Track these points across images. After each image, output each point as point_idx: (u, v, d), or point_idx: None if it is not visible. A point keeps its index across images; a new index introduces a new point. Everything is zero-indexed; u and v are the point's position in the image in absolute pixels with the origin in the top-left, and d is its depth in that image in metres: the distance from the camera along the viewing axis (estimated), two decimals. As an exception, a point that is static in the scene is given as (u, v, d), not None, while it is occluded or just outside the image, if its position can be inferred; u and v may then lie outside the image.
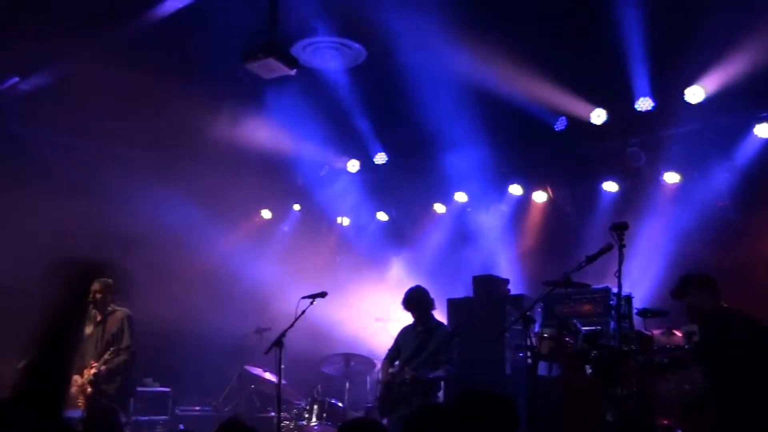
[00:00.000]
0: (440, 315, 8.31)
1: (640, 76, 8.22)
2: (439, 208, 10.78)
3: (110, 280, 8.10)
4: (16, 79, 8.81)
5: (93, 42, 8.06)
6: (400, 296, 7.57)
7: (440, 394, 8.50)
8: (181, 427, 9.12)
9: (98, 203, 9.43)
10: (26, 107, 8.92)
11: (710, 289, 5.63)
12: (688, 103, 8.23)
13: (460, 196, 10.51)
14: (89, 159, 9.54)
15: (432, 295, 7.50)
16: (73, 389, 7.80)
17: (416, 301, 7.40)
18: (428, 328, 7.35)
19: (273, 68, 7.17)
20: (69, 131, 9.29)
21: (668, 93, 8.34)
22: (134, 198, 9.74)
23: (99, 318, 8.03)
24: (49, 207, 8.96)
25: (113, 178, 9.62)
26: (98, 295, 7.99)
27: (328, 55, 8.46)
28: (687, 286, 5.68)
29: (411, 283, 7.82)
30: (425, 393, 7.04)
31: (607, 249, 5.96)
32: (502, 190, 10.18)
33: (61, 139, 9.43)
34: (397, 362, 7.44)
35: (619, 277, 5.64)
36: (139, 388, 8.87)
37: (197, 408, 9.69)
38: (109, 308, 8.03)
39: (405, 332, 7.57)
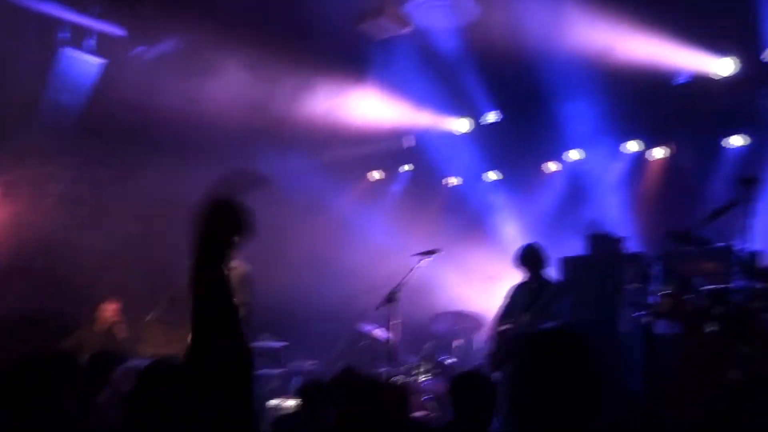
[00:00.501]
0: (555, 273, 8.21)
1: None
2: (553, 165, 10.59)
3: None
4: (143, 47, 9.17)
5: (209, 11, 8.30)
6: (511, 256, 7.53)
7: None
8: (294, 380, 9.41)
9: (217, 167, 9.74)
10: (151, 75, 9.26)
11: None
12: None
13: (574, 154, 10.28)
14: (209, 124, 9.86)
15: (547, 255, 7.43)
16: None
17: (530, 257, 7.35)
18: (540, 284, 7.29)
19: (385, 27, 7.20)
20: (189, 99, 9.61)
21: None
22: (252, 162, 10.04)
23: (223, 274, 8.36)
24: (174, 171, 9.39)
25: (230, 142, 9.93)
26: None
27: (439, 13, 8.38)
28: None
29: (523, 242, 7.75)
30: None
31: (734, 204, 5.71)
32: (619, 146, 9.88)
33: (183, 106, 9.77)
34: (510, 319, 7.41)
35: (746, 232, 5.40)
36: (256, 343, 9.20)
37: (310, 362, 9.95)
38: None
39: (518, 289, 7.53)
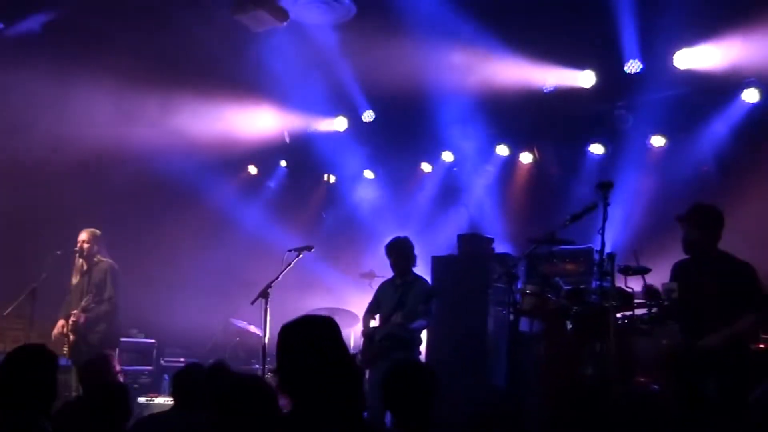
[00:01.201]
0: (425, 272, 8.39)
1: (629, 38, 8.23)
2: (426, 167, 10.83)
3: (98, 231, 8.16)
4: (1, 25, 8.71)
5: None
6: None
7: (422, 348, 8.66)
8: (166, 377, 9.23)
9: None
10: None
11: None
12: (676, 67, 8.28)
13: (447, 156, 10.56)
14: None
15: (417, 252, 7.53)
16: (55, 332, 7.88)
17: (398, 249, 7.36)
18: (407, 281, 7.32)
19: (262, 20, 7.14)
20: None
21: (657, 56, 8.36)
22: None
23: (85, 267, 8.08)
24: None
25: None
26: (85, 245, 8.04)
27: (317, 10, 8.41)
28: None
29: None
30: (406, 346, 7.11)
31: (592, 207, 6.03)
32: (489, 150, 10.22)
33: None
34: (377, 316, 7.50)
35: (602, 234, 5.72)
36: (125, 339, 8.94)
37: (182, 359, 9.77)
38: (95, 258, 8.08)
39: (384, 286, 7.57)
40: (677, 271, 5.79)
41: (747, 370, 5.36)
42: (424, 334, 7.47)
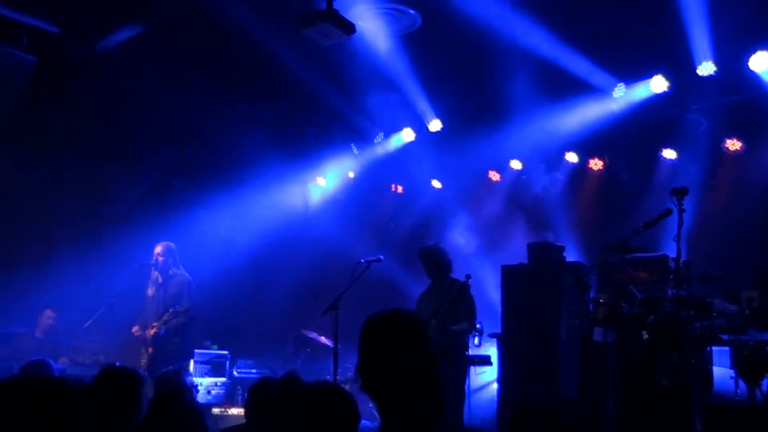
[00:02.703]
0: (495, 282, 8.35)
1: (701, 40, 8.03)
2: (494, 175, 10.77)
3: (172, 244, 8.39)
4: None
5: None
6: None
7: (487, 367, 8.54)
8: (239, 389, 9.37)
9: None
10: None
11: None
12: (751, 69, 8.05)
13: (516, 164, 10.48)
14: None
15: (483, 261, 7.47)
16: (135, 331, 8.11)
17: (428, 257, 7.31)
18: (443, 287, 7.22)
19: (330, 33, 7.20)
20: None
21: (731, 58, 8.13)
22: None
23: (160, 280, 8.30)
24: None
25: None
26: (161, 258, 8.26)
27: (383, 21, 8.46)
28: None
29: (467, 250, 7.83)
30: (447, 356, 6.79)
31: (666, 214, 5.92)
32: (559, 157, 10.10)
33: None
34: None
35: (678, 242, 5.59)
36: (199, 351, 9.14)
37: (254, 371, 9.91)
38: (171, 271, 8.29)
39: (422, 296, 7.49)
40: (758, 279, 5.60)
41: None
42: (491, 349, 7.39)
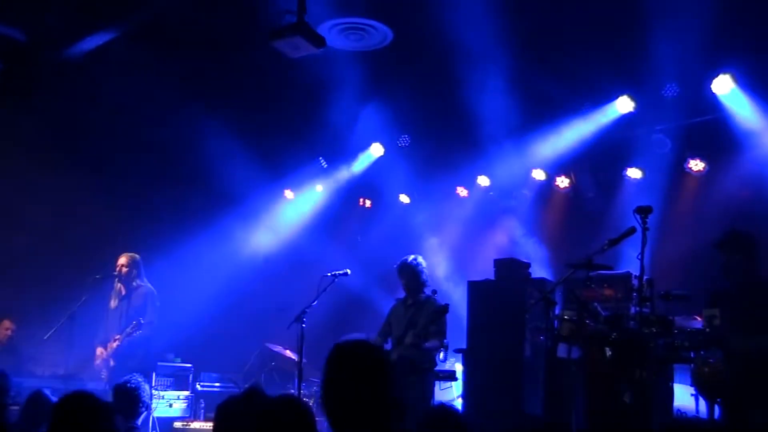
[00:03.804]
0: (462, 297, 8.37)
1: (667, 63, 8.18)
2: (462, 191, 10.83)
3: (137, 255, 8.28)
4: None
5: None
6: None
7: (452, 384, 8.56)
8: (202, 402, 9.28)
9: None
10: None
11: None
12: (713, 92, 8.23)
13: (483, 180, 10.55)
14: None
15: (450, 276, 7.51)
16: (97, 361, 7.98)
17: (408, 271, 7.35)
18: (418, 301, 7.29)
19: (299, 47, 7.19)
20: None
21: (694, 80, 8.30)
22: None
23: (124, 292, 8.19)
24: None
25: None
26: (124, 269, 8.15)
27: (354, 36, 8.49)
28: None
29: (434, 266, 7.84)
30: (418, 370, 6.97)
31: (630, 232, 5.98)
32: (525, 174, 10.19)
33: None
34: (389, 339, 7.45)
35: (641, 260, 5.67)
36: (162, 363, 9.03)
37: (217, 384, 9.82)
38: (135, 283, 8.18)
39: (395, 308, 7.54)
40: (717, 298, 5.70)
41: None
42: (457, 364, 7.40)
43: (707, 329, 5.70)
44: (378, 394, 2.82)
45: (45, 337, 7.92)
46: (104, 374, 7.90)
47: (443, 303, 7.15)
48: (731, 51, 7.81)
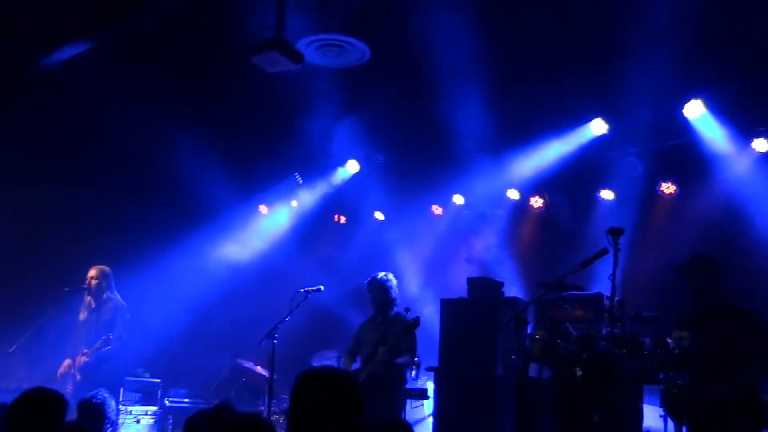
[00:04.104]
0: (435, 315, 8.38)
1: (640, 87, 8.29)
2: (437, 209, 10.87)
3: (107, 268, 8.19)
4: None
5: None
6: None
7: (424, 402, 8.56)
8: (170, 418, 9.16)
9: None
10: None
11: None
12: (685, 116, 8.36)
13: (458, 199, 10.59)
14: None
15: (423, 294, 7.52)
16: (61, 370, 7.86)
17: (378, 287, 7.36)
18: (387, 318, 7.30)
19: (277, 62, 7.20)
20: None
21: (667, 104, 8.42)
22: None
23: (93, 305, 8.08)
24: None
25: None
26: (94, 281, 8.05)
27: (332, 53, 8.52)
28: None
29: (408, 283, 7.84)
30: (389, 386, 6.98)
31: (603, 253, 6.02)
32: (500, 194, 10.25)
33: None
34: (358, 357, 7.42)
35: (613, 281, 5.71)
36: (130, 378, 8.91)
37: (187, 400, 9.71)
38: (104, 296, 8.08)
39: (364, 326, 7.53)
40: (684, 320, 5.75)
41: (759, 422, 5.29)
42: (431, 382, 7.39)
43: (676, 351, 5.74)
44: (346, 422, 2.85)
45: (10, 350, 7.79)
46: (69, 388, 7.77)
47: (413, 317, 7.15)
48: (702, 77, 7.93)
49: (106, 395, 5.51)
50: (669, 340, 6.16)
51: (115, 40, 8.11)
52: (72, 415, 5.53)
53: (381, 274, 7.45)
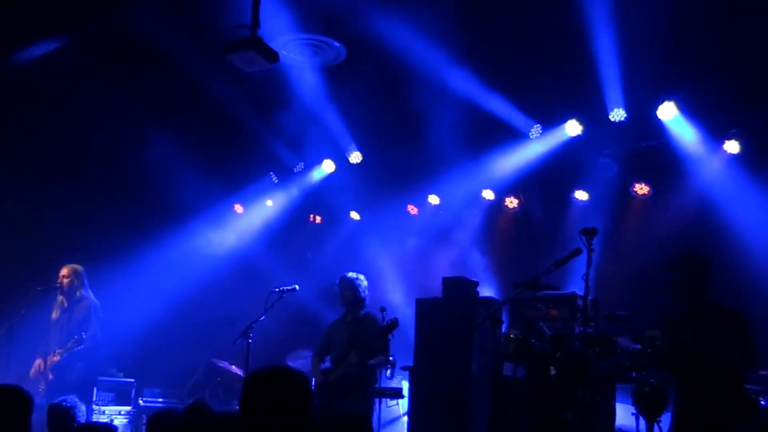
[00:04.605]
0: (410, 314, 8.40)
1: (614, 88, 8.38)
2: (412, 209, 10.89)
3: (79, 267, 8.11)
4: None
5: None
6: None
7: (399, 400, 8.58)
8: (144, 418, 9.08)
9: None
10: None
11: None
12: (659, 118, 8.45)
13: (433, 199, 10.62)
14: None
15: (398, 294, 7.53)
16: (32, 372, 7.78)
17: (351, 285, 7.38)
18: (357, 317, 7.32)
19: (253, 61, 7.17)
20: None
21: (641, 105, 8.51)
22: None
23: (66, 304, 8.01)
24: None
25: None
26: (65, 280, 7.97)
27: (308, 52, 8.52)
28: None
29: (383, 283, 7.85)
30: (360, 387, 7.00)
31: (576, 253, 6.06)
32: (475, 194, 10.29)
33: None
34: (328, 357, 7.43)
35: (586, 281, 5.75)
36: (103, 378, 8.83)
37: (161, 400, 9.64)
38: (77, 295, 8.01)
39: (334, 325, 7.56)
40: (666, 319, 5.75)
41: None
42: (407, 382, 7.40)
43: (648, 350, 5.79)
44: (299, 421, 2.84)
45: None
46: (42, 388, 7.69)
47: (391, 318, 7.16)
48: (675, 79, 8.02)
49: (75, 399, 5.46)
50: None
51: (89, 37, 8.06)
52: (42, 415, 5.51)
53: (351, 274, 7.48)
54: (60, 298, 8.06)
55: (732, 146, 8.37)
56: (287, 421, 2.82)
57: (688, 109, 8.35)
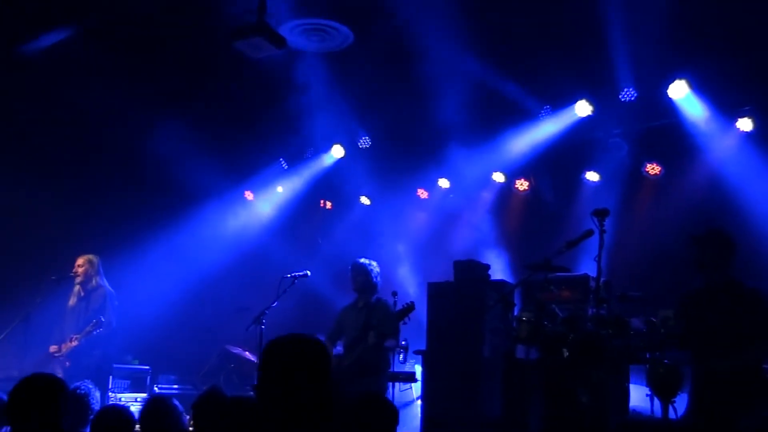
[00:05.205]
0: (421, 298, 8.40)
1: (624, 69, 8.31)
2: (422, 193, 10.87)
3: (94, 257, 8.16)
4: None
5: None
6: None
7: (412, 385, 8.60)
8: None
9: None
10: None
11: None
12: (669, 97, 8.39)
13: (444, 182, 10.60)
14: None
15: (410, 278, 7.53)
16: (52, 350, 7.85)
17: (363, 270, 7.33)
18: (369, 303, 7.26)
19: (260, 47, 7.17)
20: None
21: (651, 85, 8.44)
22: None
23: (82, 293, 8.07)
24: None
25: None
26: (80, 269, 8.03)
27: (315, 37, 8.48)
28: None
29: (394, 267, 7.84)
30: (375, 371, 7.00)
31: (588, 234, 6.05)
32: (486, 177, 10.26)
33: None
34: (339, 342, 7.44)
35: (598, 262, 5.73)
36: (119, 365, 8.90)
37: (176, 386, 9.71)
38: (93, 283, 8.07)
39: (345, 311, 7.50)
40: (687, 299, 5.58)
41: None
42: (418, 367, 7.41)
43: (661, 330, 5.78)
44: (316, 389, 2.74)
45: (-1, 338, 7.76)
46: (59, 374, 7.75)
47: (407, 302, 7.18)
48: (686, 57, 7.95)
49: (90, 386, 5.49)
50: (654, 320, 6.22)
51: (96, 26, 8.05)
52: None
53: (364, 260, 7.44)
54: (76, 287, 8.12)
55: (745, 124, 8.31)
56: (307, 386, 2.72)
57: (700, 87, 8.27)
